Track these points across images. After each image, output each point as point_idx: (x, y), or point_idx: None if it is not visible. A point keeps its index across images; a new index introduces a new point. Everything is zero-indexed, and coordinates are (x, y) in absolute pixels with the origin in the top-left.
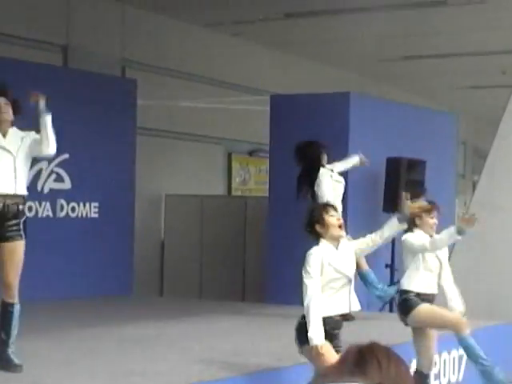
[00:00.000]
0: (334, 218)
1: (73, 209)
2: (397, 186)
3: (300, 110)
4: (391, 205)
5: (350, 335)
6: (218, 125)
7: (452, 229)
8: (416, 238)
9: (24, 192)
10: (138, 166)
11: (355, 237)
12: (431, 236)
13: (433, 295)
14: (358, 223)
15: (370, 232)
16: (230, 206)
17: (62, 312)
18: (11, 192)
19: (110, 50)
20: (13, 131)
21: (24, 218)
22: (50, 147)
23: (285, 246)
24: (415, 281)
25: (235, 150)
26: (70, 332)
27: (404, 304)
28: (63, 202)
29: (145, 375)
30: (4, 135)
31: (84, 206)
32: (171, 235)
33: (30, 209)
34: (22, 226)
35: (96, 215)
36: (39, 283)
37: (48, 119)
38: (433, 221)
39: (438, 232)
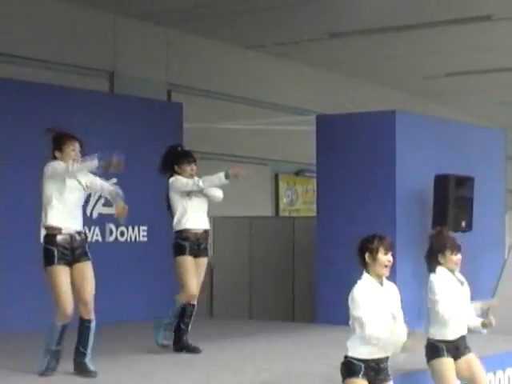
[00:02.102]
0: (385, 258)
1: (122, 233)
2: (446, 203)
3: (346, 129)
4: (440, 222)
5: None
6: (264, 146)
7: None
8: (438, 278)
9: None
10: None
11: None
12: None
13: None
14: (407, 241)
15: (420, 249)
16: (278, 226)
17: (112, 336)
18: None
19: (155, 74)
20: None
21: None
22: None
23: (333, 265)
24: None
25: (282, 171)
26: (121, 355)
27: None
28: (112, 226)
29: None
30: None
31: (133, 230)
32: (220, 257)
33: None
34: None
35: (145, 239)
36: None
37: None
38: (457, 257)
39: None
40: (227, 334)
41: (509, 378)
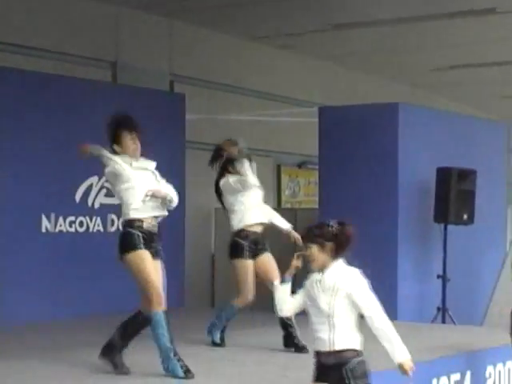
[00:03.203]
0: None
1: None
2: (448, 196)
3: (348, 121)
4: (442, 215)
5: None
6: (267, 137)
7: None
8: None
9: None
10: (188, 180)
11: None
12: None
13: None
14: (409, 234)
15: (422, 242)
16: None
17: (114, 326)
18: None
19: (158, 65)
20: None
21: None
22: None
23: None
24: None
25: (284, 163)
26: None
27: None
28: (114, 216)
29: None
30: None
31: None
32: (221, 248)
33: (81, 224)
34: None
35: None
36: (93, 298)
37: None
38: None
39: None
40: (229, 325)
41: (509, 370)
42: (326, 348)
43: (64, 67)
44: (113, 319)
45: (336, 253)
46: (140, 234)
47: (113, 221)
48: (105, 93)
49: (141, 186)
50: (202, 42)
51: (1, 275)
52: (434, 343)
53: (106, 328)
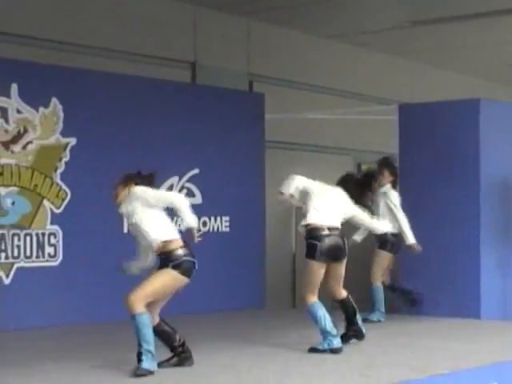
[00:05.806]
0: None
1: (204, 223)
2: None
3: (429, 118)
4: None
5: (488, 346)
6: (346, 135)
7: None
8: None
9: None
10: (268, 179)
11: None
12: None
13: None
14: (491, 233)
15: (505, 241)
16: None
17: (195, 326)
18: None
19: (236, 65)
20: None
21: None
22: None
23: (416, 254)
24: None
25: (364, 161)
26: (203, 346)
27: None
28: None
29: None
30: None
31: (215, 220)
32: (303, 247)
33: None
34: None
35: (227, 229)
36: (173, 298)
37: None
38: None
39: None
40: (309, 325)
41: None
42: None
43: (143, 68)
44: (189, 319)
45: None
46: None
47: None
48: (184, 94)
49: None
50: (280, 41)
51: (86, 274)
52: None
53: (179, 328)
